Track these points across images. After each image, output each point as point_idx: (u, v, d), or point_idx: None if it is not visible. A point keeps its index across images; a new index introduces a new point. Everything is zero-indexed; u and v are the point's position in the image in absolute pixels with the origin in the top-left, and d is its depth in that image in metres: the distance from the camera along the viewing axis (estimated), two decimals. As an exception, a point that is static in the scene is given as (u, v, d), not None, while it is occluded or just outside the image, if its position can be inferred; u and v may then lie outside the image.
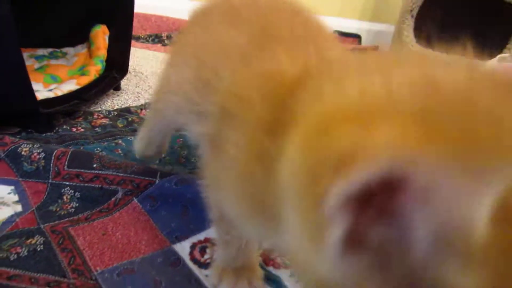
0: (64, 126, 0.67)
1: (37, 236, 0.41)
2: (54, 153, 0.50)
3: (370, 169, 0.13)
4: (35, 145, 0.51)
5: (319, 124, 0.17)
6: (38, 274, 0.37)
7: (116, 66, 0.85)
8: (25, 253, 0.39)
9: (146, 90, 0.92)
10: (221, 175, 0.29)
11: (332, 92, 0.18)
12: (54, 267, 0.38)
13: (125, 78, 0.89)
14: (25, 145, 0.51)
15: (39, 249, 0.39)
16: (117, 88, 0.87)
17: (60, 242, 0.41)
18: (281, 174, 0.19)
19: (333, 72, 0.21)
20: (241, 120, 0.26)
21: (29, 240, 0.40)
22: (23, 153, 0.50)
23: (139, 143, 0.54)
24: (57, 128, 0.65)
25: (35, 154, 0.50)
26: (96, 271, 0.38)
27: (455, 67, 0.17)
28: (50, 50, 0.90)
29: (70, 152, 0.50)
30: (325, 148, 0.15)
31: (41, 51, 0.87)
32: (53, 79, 0.76)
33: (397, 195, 0.13)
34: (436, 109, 0.14)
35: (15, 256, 0.38)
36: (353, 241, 0.15)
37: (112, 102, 0.82)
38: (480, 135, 0.13)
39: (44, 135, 0.62)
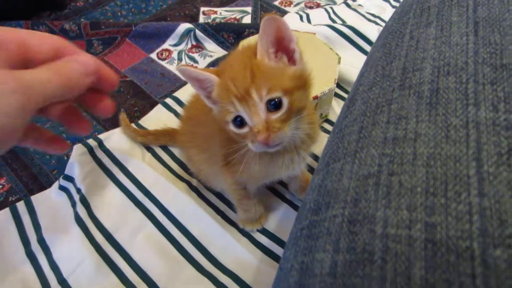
0: (72, 4, 1.14)
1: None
2: (81, 25, 1.01)
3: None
4: (70, 23, 1.02)
5: None
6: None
7: None
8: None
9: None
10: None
11: None
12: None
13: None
14: (65, 23, 1.02)
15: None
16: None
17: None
18: None
19: None
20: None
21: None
22: (66, 27, 1.02)
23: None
24: (68, 6, 1.13)
25: (72, 27, 1.02)
26: (122, 70, 0.96)
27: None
28: None
29: (88, 23, 1.01)
30: None
31: None
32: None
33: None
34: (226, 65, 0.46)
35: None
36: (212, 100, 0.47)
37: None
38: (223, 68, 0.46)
39: (63, 12, 1.11)
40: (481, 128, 0.26)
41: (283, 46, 0.45)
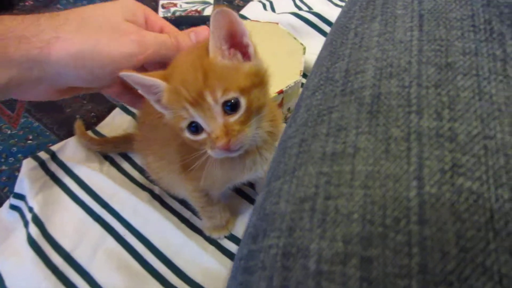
0: (21, 3, 1.07)
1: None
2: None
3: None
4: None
5: None
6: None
7: None
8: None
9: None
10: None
11: None
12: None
13: None
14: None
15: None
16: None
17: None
18: None
19: None
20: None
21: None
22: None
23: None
24: (16, 6, 1.06)
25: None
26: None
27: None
28: None
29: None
30: None
31: None
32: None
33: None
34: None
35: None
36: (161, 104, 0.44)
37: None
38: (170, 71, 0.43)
39: (12, 12, 1.04)
40: (423, 140, 0.23)
41: (236, 42, 0.42)
